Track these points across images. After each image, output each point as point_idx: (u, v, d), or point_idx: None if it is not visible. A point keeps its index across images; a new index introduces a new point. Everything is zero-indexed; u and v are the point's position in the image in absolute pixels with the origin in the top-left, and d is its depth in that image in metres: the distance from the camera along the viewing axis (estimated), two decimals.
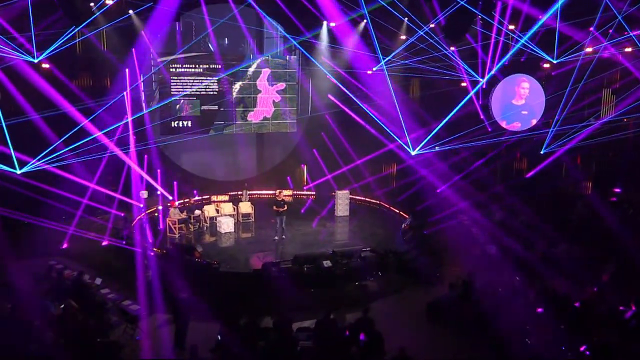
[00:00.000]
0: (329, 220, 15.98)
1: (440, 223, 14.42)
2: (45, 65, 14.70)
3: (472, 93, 16.30)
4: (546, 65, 16.47)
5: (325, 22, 18.08)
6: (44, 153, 13.58)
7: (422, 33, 14.91)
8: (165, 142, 17.39)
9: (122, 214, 14.68)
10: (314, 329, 8.87)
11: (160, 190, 16.64)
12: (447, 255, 13.23)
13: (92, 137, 14.23)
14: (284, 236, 13.91)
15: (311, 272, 11.44)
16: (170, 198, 17.02)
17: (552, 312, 9.19)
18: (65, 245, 13.76)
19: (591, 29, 14.17)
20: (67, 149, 13.84)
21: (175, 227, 13.78)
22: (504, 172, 17.99)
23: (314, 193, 19.27)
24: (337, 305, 10.19)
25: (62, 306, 9.52)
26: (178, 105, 17.79)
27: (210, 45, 18.14)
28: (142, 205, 15.96)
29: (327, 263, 11.57)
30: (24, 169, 13.46)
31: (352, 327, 8.56)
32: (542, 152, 16.64)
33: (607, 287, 10.27)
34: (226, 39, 18.22)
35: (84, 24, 13.35)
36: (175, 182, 17.59)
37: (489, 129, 17.78)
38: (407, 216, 15.77)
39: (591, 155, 16.94)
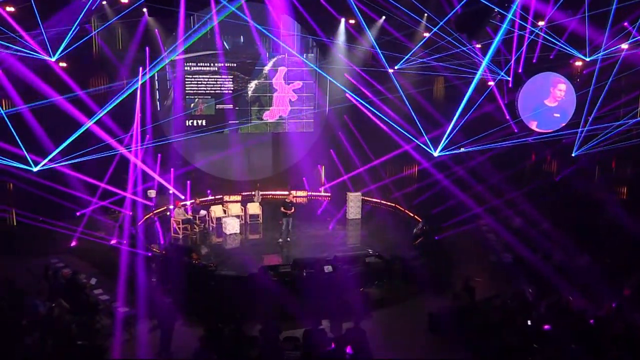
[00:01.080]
0: (339, 223, 15.45)
1: (455, 228, 13.69)
2: (63, 64, 14.74)
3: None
4: (578, 63, 15.42)
5: (343, 20, 17.64)
6: (56, 152, 13.61)
7: (436, 30, 14.22)
8: (176, 139, 17.23)
9: (130, 213, 14.62)
10: (302, 338, 8.42)
11: (172, 189, 16.56)
12: (458, 263, 12.52)
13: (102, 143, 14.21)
14: (289, 239, 13.50)
15: (311, 277, 10.97)
16: (183, 197, 16.94)
17: (563, 329, 8.42)
18: (74, 243, 13.78)
19: (625, 23, 13.19)
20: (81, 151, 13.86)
21: (179, 228, 13.59)
22: (529, 175, 17.02)
23: (330, 194, 18.76)
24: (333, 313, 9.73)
25: (53, 305, 9.44)
26: (193, 104, 17.66)
27: (225, 43, 17.95)
28: (152, 205, 15.92)
29: (328, 268, 11.08)
30: (39, 167, 13.53)
31: (339, 339, 8.06)
32: (574, 155, 15.67)
33: (627, 303, 9.37)
34: (242, 37, 17.96)
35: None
36: (188, 182, 17.47)
37: (515, 130, 16.91)
38: (420, 220, 15.10)
39: (627, 158, 15.78)
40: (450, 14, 13.34)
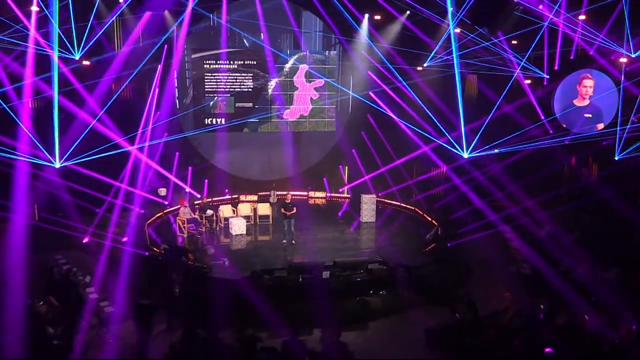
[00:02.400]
0: (348, 226, 14.76)
1: (473, 234, 12.80)
2: (86, 62, 14.88)
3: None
4: (622, 60, 14.12)
5: (366, 16, 17.00)
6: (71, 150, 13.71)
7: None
8: (195, 137, 17.13)
9: (143, 211, 14.62)
10: (280, 349, 7.94)
11: (187, 189, 16.48)
12: (471, 273, 11.68)
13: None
14: (293, 241, 13.03)
15: (308, 283, 10.47)
16: (199, 196, 16.84)
17: (569, 353, 7.51)
18: (86, 240, 13.82)
19: None
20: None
21: (184, 227, 13.40)
22: (561, 180, 15.80)
23: (350, 196, 18.15)
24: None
25: (41, 303, 9.41)
26: (212, 102, 17.52)
27: (245, 41, 17.71)
28: (167, 203, 15.89)
29: (326, 274, 10.54)
30: (61, 163, 13.66)
31: (314, 354, 7.51)
32: (617, 158, 14.39)
33: None
34: (262, 34, 17.63)
35: None
36: (206, 180, 17.36)
37: (551, 131, 15.78)
38: (436, 225, 14.27)
39: None
40: (467, 5, 12.51)
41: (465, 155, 14.72)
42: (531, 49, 14.33)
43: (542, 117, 15.85)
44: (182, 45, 16.24)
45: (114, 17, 14.64)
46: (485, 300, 10.40)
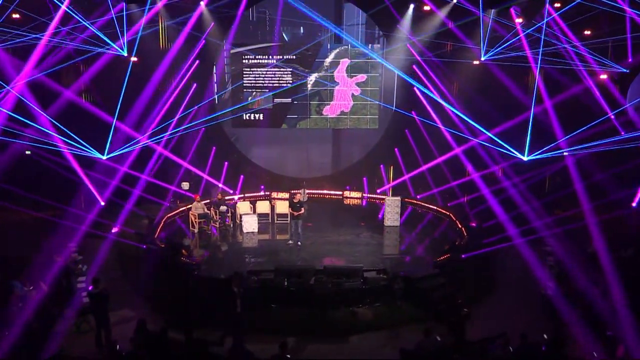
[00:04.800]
0: (371, 231, 13.88)
1: (501, 244, 11.42)
2: (134, 59, 15.40)
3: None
4: None
5: (412, 6, 15.92)
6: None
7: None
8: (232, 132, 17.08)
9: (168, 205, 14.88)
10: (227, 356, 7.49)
11: (220, 185, 16.50)
12: (483, 289, 10.38)
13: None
14: (299, 242, 12.41)
15: (294, 288, 9.87)
16: (232, 192, 16.82)
17: None
18: (116, 228, 14.26)
19: None
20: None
21: (196, 222, 13.34)
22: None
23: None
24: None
25: (31, 287, 9.76)
26: (250, 98, 17.42)
27: (284, 35, 17.38)
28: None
29: (314, 280, 9.87)
30: (108, 155, 14.23)
31: None
32: None
33: None
34: (301, 27, 17.23)
35: None
36: (241, 176, 17.31)
37: (622, 132, 13.76)
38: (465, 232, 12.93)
39: None
40: None
41: (525, 158, 13.25)
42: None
43: (611, 116, 13.83)
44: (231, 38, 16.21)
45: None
46: (488, 322, 9.19)
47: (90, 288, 8.65)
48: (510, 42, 13.65)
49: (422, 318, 9.49)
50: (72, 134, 12.90)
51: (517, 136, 12.90)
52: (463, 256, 10.84)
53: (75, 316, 9.20)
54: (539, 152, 13.20)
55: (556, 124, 13.91)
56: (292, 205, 12.54)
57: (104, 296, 8.53)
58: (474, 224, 13.66)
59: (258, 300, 9.63)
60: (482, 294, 10.52)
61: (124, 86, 14.23)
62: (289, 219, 13.40)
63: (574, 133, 13.11)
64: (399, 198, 14.13)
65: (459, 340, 7.88)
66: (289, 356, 7.23)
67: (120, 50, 14.14)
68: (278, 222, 14.21)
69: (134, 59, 15.31)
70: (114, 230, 13.94)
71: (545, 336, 7.89)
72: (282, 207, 14.05)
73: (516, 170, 14.77)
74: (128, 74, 14.78)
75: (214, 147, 17.22)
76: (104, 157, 13.89)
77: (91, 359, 8.30)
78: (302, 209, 12.48)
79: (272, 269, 10.39)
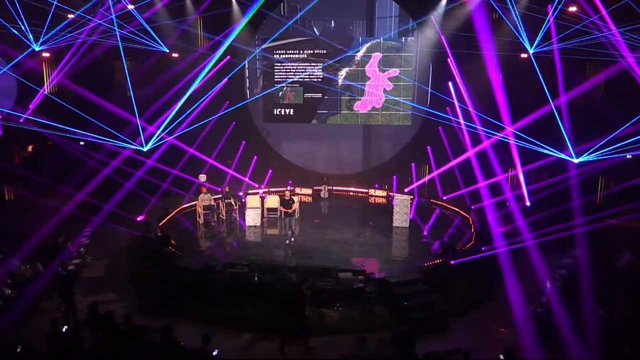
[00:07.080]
0: (373, 230, 13.26)
1: (496, 250, 10.43)
2: (175, 55, 16.13)
3: None
4: None
5: None
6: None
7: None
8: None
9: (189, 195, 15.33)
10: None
11: (246, 179, 16.70)
12: (465, 300, 9.52)
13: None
14: (292, 239, 12.13)
15: (263, 283, 9.72)
16: (257, 186, 16.96)
17: None
18: (141, 217, 14.96)
19: None
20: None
21: (202, 213, 13.59)
22: None
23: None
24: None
25: (28, 266, 10.52)
26: (281, 93, 17.44)
27: (315, 29, 17.17)
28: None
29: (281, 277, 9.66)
30: (149, 146, 14.98)
31: None
32: None
33: None
34: (332, 21, 16.91)
35: None
36: (269, 170, 17.39)
37: None
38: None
39: None
40: None
41: (577, 160, 12.03)
42: None
43: None
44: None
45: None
46: (455, 338, 8.42)
47: (59, 269, 9.08)
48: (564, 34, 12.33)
49: (395, 325, 8.94)
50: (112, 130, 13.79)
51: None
52: (452, 262, 10.01)
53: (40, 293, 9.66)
54: (590, 151, 11.92)
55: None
56: (283, 203, 12.37)
57: (70, 279, 8.94)
58: (502, 229, 12.59)
59: (228, 292, 9.62)
60: (470, 305, 9.66)
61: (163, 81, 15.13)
62: (282, 215, 13.26)
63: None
64: (409, 198, 13.38)
65: (398, 354, 7.26)
66: (216, 352, 7.11)
67: (162, 47, 14.95)
68: (268, 216, 14.14)
69: (175, 55, 16.09)
70: (139, 219, 14.69)
71: (501, 357, 7.03)
72: (272, 202, 14.00)
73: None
74: (171, 70, 15.65)
75: (244, 141, 17.47)
76: (145, 149, 14.74)
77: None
78: (294, 205, 12.25)
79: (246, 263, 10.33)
